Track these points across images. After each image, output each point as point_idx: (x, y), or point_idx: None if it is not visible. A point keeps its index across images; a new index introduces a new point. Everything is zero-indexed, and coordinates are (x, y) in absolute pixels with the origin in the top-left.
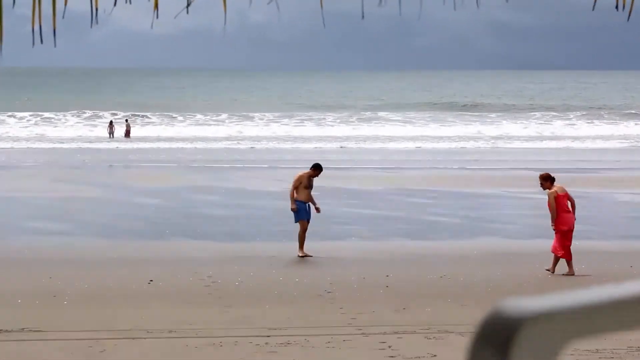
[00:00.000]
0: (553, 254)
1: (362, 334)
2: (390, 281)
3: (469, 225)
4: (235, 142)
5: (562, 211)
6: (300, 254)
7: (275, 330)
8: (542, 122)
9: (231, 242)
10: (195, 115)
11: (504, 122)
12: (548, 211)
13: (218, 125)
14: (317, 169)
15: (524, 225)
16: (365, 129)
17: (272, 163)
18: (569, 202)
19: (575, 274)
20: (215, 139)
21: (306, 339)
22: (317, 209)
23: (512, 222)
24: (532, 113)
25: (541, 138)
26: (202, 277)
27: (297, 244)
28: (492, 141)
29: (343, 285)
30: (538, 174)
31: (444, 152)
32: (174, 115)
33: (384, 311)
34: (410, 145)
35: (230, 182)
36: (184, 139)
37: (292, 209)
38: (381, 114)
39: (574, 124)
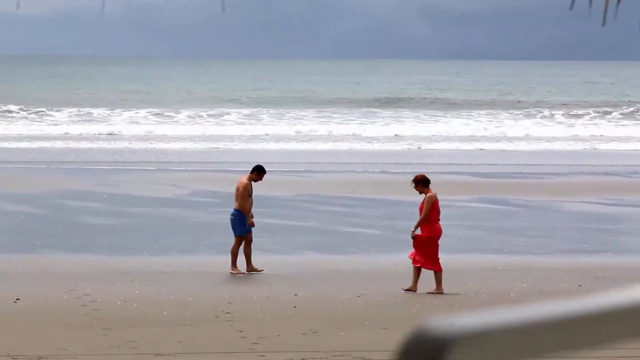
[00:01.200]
0: (415, 269)
1: None
2: (299, 301)
3: (392, 238)
4: (112, 140)
5: (435, 220)
6: (233, 271)
7: (163, 357)
8: (477, 120)
9: (113, 256)
10: (61, 110)
11: (434, 119)
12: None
13: (91, 121)
14: (260, 172)
15: (456, 237)
16: (270, 126)
17: (159, 165)
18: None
19: (501, 293)
20: (88, 137)
21: None
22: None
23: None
24: (463, 111)
25: (473, 138)
26: (79, 295)
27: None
28: (417, 142)
29: (244, 305)
30: (472, 178)
31: (362, 154)
32: (43, 110)
33: (290, 335)
34: (323, 145)
35: (111, 187)
36: (51, 137)
37: (251, 224)
38: (289, 109)
39: (513, 122)
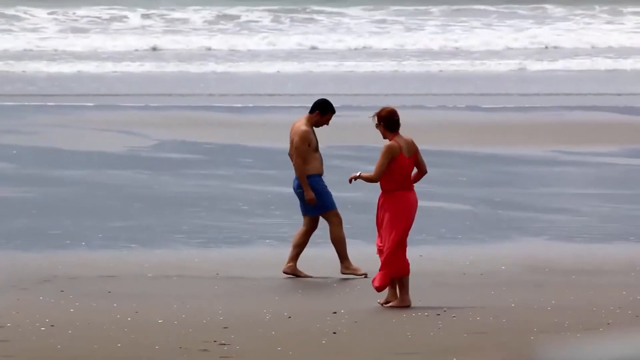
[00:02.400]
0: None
1: None
2: (333, 324)
3: (487, 216)
4: (28, 59)
5: (400, 186)
6: (345, 271)
7: None
8: (622, 20)
9: (29, 251)
10: None
11: (544, 20)
12: None
13: None
14: (326, 111)
15: (599, 216)
16: (276, 33)
17: (100, 99)
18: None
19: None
20: None
21: None
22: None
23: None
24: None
25: (613, 50)
26: None
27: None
28: (519, 60)
29: (250, 331)
30: (618, 117)
31: (429, 78)
32: None
33: None
34: (365, 65)
35: (25, 135)
36: None
37: (309, 200)
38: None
39: None
